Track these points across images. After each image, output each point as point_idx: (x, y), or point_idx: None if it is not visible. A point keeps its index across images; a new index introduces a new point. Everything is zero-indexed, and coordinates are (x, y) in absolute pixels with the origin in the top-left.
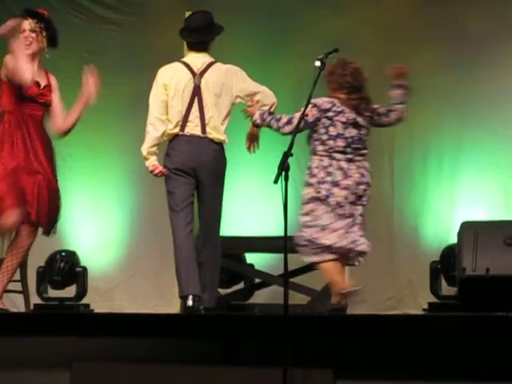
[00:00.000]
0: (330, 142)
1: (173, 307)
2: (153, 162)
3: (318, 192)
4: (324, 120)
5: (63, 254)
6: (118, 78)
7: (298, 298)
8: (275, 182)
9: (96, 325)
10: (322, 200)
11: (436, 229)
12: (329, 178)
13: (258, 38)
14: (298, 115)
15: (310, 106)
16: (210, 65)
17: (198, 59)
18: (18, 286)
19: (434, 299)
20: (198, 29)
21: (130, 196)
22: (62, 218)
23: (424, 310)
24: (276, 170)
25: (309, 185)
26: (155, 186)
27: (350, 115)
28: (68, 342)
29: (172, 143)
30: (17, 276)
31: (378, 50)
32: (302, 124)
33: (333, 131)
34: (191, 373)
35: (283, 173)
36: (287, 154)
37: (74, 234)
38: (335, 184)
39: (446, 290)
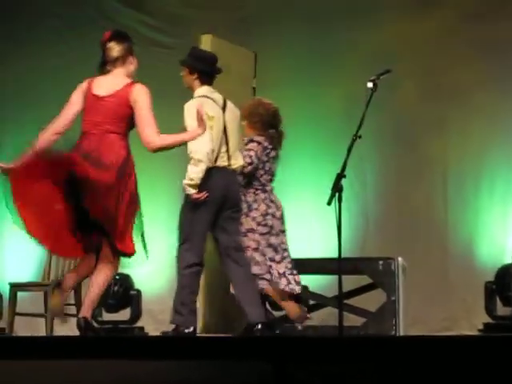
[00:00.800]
0: (264, 177)
1: None
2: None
3: (265, 224)
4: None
5: (117, 277)
6: (168, 99)
7: (351, 320)
8: (329, 203)
9: (150, 348)
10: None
11: (490, 249)
12: (270, 211)
13: (305, 60)
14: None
15: (255, 143)
16: (224, 99)
17: (216, 94)
18: (73, 310)
19: (489, 320)
20: (215, 62)
21: None
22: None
23: (479, 330)
24: (329, 192)
25: (252, 218)
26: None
27: (274, 151)
28: (124, 364)
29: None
30: (72, 299)
31: (425, 67)
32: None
33: (267, 166)
34: None
35: (337, 194)
36: (340, 176)
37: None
38: (273, 215)
39: (502, 310)
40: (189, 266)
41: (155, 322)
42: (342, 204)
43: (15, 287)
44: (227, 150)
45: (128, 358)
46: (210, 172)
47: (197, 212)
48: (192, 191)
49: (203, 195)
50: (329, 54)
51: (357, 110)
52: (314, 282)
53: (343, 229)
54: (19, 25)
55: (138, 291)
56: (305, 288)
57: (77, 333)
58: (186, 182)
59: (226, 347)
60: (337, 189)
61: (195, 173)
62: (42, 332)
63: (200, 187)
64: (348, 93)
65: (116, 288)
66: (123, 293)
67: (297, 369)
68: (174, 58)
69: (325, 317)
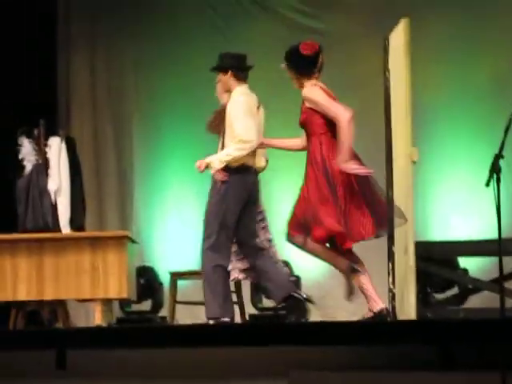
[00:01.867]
0: None
1: None
2: None
3: None
4: None
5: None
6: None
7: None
8: (487, 184)
9: (310, 333)
10: None
11: None
12: None
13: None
14: None
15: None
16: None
17: (253, 93)
18: (233, 297)
19: None
20: (245, 59)
21: None
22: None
23: None
24: (487, 173)
25: None
26: None
27: None
28: (284, 351)
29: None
30: (231, 287)
31: None
32: None
33: None
34: (407, 379)
35: (495, 175)
36: (498, 156)
37: (286, 244)
38: None
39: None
40: (214, 267)
41: (314, 307)
42: (500, 184)
43: (175, 276)
44: (255, 150)
45: (291, 344)
46: (241, 168)
47: (225, 205)
48: (219, 166)
49: (225, 176)
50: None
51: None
52: (472, 263)
53: (502, 210)
54: (177, 14)
55: (298, 277)
56: (464, 272)
57: (236, 319)
58: (220, 156)
59: (393, 332)
60: (495, 169)
61: (235, 152)
62: (204, 319)
63: (229, 182)
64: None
65: None
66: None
67: (461, 351)
68: (325, 43)
69: (484, 299)
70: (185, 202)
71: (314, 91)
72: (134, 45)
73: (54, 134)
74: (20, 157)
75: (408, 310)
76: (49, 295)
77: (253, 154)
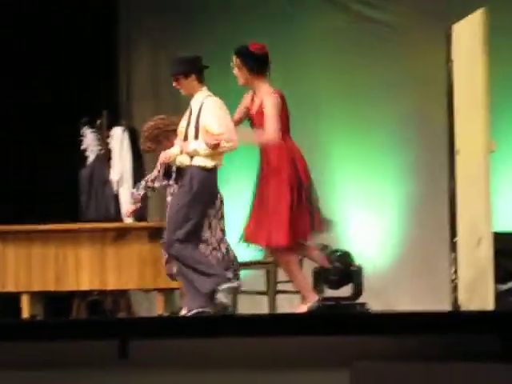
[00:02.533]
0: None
1: (443, 305)
2: None
3: None
4: None
5: (338, 253)
6: (381, 71)
7: None
8: None
9: (373, 324)
10: None
11: None
12: None
13: None
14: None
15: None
16: None
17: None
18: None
19: None
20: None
21: (407, 193)
22: (338, 217)
23: None
24: None
25: None
26: (433, 182)
27: None
28: (346, 341)
29: None
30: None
31: None
32: None
33: None
34: (472, 370)
35: None
36: None
37: (348, 234)
38: None
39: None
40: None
41: (377, 298)
42: None
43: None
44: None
45: (353, 334)
46: (215, 169)
47: (201, 204)
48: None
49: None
50: None
51: None
52: None
53: None
54: (237, 6)
55: (360, 267)
56: None
57: (297, 309)
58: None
59: (454, 322)
60: None
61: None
62: (265, 309)
63: (204, 183)
64: None
65: (337, 264)
66: (344, 269)
67: None
68: (388, 33)
69: None
70: (243, 189)
71: (271, 101)
72: (194, 36)
73: (117, 124)
74: (83, 147)
75: (485, 300)
76: (111, 285)
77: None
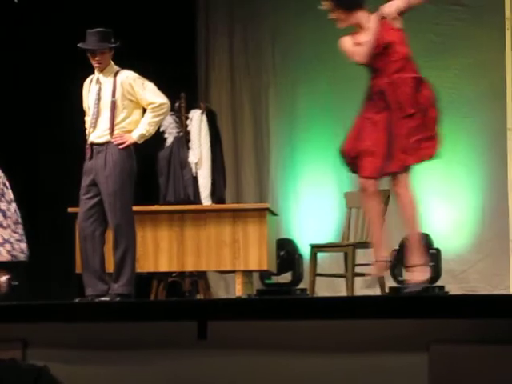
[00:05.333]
0: None
1: None
2: None
3: None
4: None
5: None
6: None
7: None
8: None
9: (452, 307)
10: None
11: None
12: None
13: None
14: None
15: None
16: None
17: None
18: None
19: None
20: None
21: (481, 176)
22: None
23: None
24: None
25: None
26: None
27: None
28: (425, 324)
29: None
30: (372, 259)
31: None
32: None
33: None
34: None
35: None
36: None
37: (426, 216)
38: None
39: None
40: None
41: (455, 280)
42: None
43: (316, 248)
44: None
45: (432, 317)
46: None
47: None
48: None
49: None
50: None
51: None
52: None
53: None
54: None
55: (438, 250)
56: None
57: (376, 292)
58: (143, 131)
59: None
60: None
61: (157, 118)
62: (343, 292)
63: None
64: None
65: None
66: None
67: None
68: (471, 16)
69: None
70: (321, 174)
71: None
72: (271, 16)
73: (195, 106)
74: (161, 129)
75: None
76: (190, 267)
77: None
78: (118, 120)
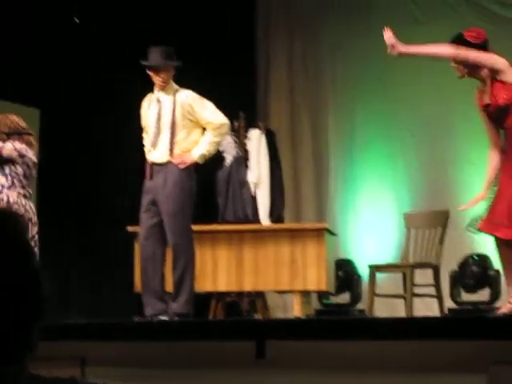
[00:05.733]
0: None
1: None
2: None
3: None
4: None
5: (475, 257)
6: None
7: None
8: None
9: (511, 328)
10: None
11: None
12: None
13: None
14: None
15: None
16: None
17: None
18: (432, 291)
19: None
20: None
21: None
22: (466, 222)
23: None
24: None
25: None
26: None
27: None
28: (483, 345)
29: None
30: (430, 280)
31: None
32: None
33: None
34: None
35: None
36: None
37: (485, 237)
38: None
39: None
40: None
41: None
42: None
43: (374, 268)
44: None
45: (491, 339)
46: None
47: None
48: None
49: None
50: None
51: None
52: None
53: None
54: (378, 8)
55: (497, 271)
56: None
57: (434, 313)
58: (204, 151)
59: None
60: None
61: (217, 137)
62: (401, 313)
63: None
64: None
65: (474, 268)
66: (482, 273)
67: None
68: None
69: None
70: (379, 193)
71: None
72: (330, 37)
73: (254, 126)
74: (220, 149)
75: None
76: (248, 286)
77: None
78: (177, 139)
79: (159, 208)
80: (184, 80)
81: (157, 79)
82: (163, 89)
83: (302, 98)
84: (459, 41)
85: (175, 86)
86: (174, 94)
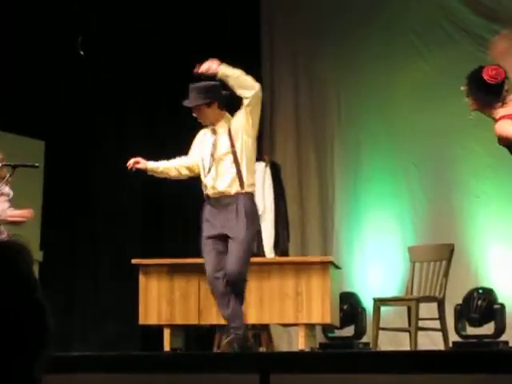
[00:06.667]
0: None
1: None
2: None
3: None
4: None
5: (480, 291)
6: None
7: None
8: None
9: None
10: None
11: None
12: None
13: None
14: None
15: None
16: None
17: None
18: (436, 324)
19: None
20: None
21: None
22: (471, 255)
23: None
24: None
25: None
26: None
27: None
28: (488, 379)
29: None
30: (435, 314)
31: None
32: None
33: None
34: None
35: None
36: None
37: (490, 270)
38: None
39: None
40: None
41: None
42: None
43: (379, 302)
44: None
45: (496, 372)
46: None
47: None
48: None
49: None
50: None
51: None
52: None
53: None
54: (379, 40)
55: (502, 305)
56: None
57: (439, 347)
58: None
59: None
60: None
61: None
62: (406, 346)
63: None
64: None
65: (479, 302)
66: (486, 307)
67: None
68: None
69: None
70: (384, 226)
71: (502, 126)
72: (335, 72)
73: (259, 159)
74: None
75: None
76: (253, 319)
77: None
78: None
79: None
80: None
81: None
82: (212, 124)
83: (308, 132)
84: (476, 80)
85: (228, 117)
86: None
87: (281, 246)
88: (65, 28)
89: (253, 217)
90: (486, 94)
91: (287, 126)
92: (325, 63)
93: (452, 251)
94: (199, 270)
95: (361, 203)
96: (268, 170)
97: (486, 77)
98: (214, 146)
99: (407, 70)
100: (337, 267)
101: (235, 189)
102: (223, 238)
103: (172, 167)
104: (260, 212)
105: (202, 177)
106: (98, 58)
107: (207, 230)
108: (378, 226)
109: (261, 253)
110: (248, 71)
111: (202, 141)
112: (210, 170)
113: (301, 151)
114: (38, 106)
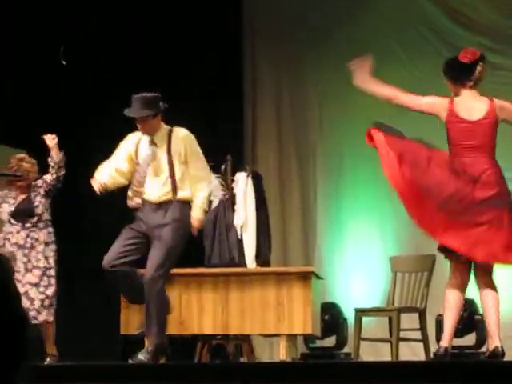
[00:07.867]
0: None
1: None
2: None
3: None
4: None
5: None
6: None
7: None
8: None
9: (496, 372)
10: None
11: None
12: None
13: None
14: None
15: None
16: None
17: None
18: (418, 335)
19: None
20: None
21: None
22: None
23: None
24: None
25: None
26: None
27: None
28: None
29: None
30: (417, 324)
31: None
32: None
33: None
34: None
35: None
36: None
37: (472, 283)
38: None
39: None
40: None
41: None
42: None
43: (360, 312)
44: None
45: (471, 383)
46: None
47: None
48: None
49: None
50: None
51: None
52: None
53: None
54: (360, 49)
55: (482, 316)
56: None
57: (420, 357)
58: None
59: None
60: None
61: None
62: (387, 357)
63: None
64: None
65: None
66: (467, 317)
67: None
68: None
69: None
70: (366, 238)
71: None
72: (317, 84)
73: (241, 169)
74: None
75: None
76: (234, 330)
77: None
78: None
79: None
80: (173, 120)
81: (139, 128)
82: (151, 135)
83: (290, 142)
84: (452, 59)
85: (166, 128)
86: (169, 136)
87: (262, 257)
88: (46, 38)
89: (183, 224)
90: (458, 71)
91: (269, 136)
92: (307, 76)
93: (434, 262)
94: (181, 280)
95: (343, 213)
96: (249, 181)
97: (460, 56)
98: (153, 156)
99: (388, 77)
100: (318, 277)
101: (168, 196)
102: (147, 238)
103: (116, 176)
104: (241, 222)
105: (135, 183)
106: (80, 66)
107: (137, 225)
108: (359, 237)
109: (242, 263)
110: (230, 80)
111: (138, 147)
112: (144, 177)
113: (283, 161)
114: (20, 116)
